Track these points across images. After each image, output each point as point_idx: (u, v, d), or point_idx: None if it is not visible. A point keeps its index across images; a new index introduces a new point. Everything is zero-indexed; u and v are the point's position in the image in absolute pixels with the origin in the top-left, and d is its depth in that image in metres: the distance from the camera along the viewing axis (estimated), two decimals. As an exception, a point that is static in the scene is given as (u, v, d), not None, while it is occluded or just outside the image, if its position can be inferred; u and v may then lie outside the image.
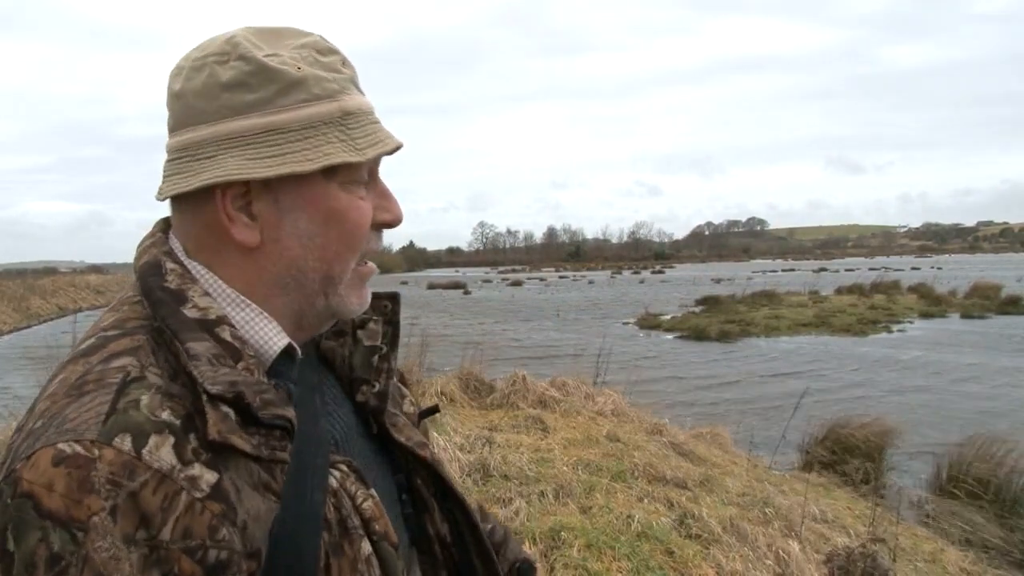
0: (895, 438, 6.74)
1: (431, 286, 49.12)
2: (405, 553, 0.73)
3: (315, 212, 0.65)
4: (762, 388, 11.22)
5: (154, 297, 0.62)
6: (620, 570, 3.02)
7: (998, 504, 5.59)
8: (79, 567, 0.47)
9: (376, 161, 0.69)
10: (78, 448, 0.50)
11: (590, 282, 54.97)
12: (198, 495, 0.51)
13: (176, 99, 0.64)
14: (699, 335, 18.13)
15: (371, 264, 0.72)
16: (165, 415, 0.54)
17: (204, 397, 0.55)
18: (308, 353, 0.73)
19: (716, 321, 19.55)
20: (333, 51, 0.67)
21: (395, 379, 0.83)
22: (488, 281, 59.78)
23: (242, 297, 0.65)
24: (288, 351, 0.65)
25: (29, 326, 23.83)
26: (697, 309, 23.81)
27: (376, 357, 0.79)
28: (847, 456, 6.42)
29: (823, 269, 65.10)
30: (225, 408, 0.56)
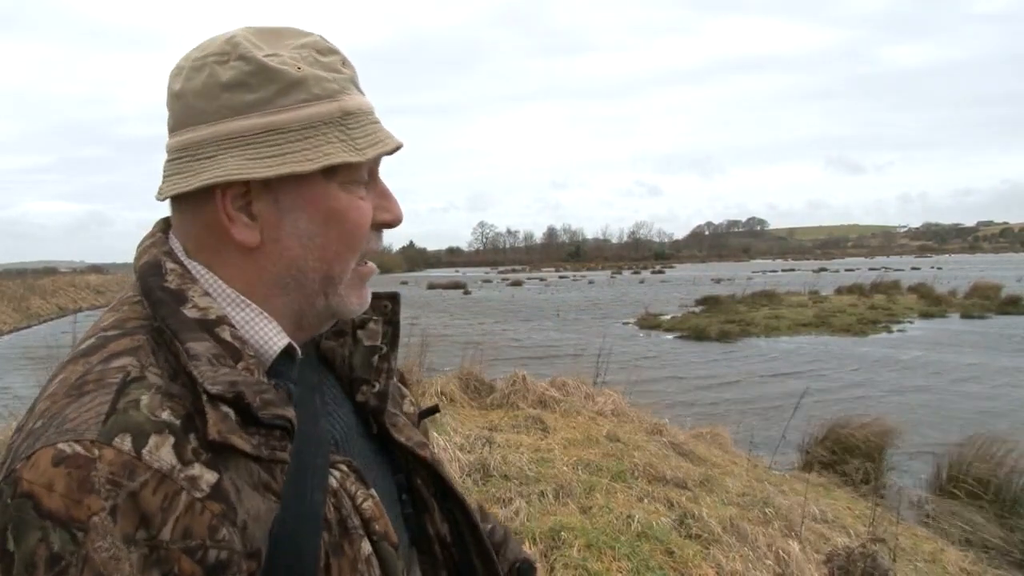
0: (895, 438, 6.74)
1: (431, 286, 49.13)
2: (405, 553, 0.73)
3: (315, 212, 0.65)
4: (762, 388, 11.22)
5: (154, 297, 0.62)
6: (620, 570, 3.02)
7: (998, 504, 5.59)
8: (79, 567, 0.47)
9: (376, 161, 0.69)
10: (78, 448, 0.50)
11: (590, 282, 54.97)
12: (198, 495, 0.51)
13: (176, 99, 0.64)
14: (699, 335, 18.13)
15: (371, 264, 0.72)
16: (165, 415, 0.54)
17: (204, 397, 0.55)
18: (308, 353, 0.73)
19: (716, 321, 19.55)
20: (333, 51, 0.67)
21: (395, 379, 0.83)
22: (488, 281, 59.77)
23: (242, 297, 0.65)
24: (288, 351, 0.65)
25: (29, 326, 23.83)
26: (697, 309, 23.80)
27: (376, 357, 0.79)
28: (847, 456, 6.42)
29: (823, 269, 65.09)
30: (225, 408, 0.56)
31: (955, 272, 43.60)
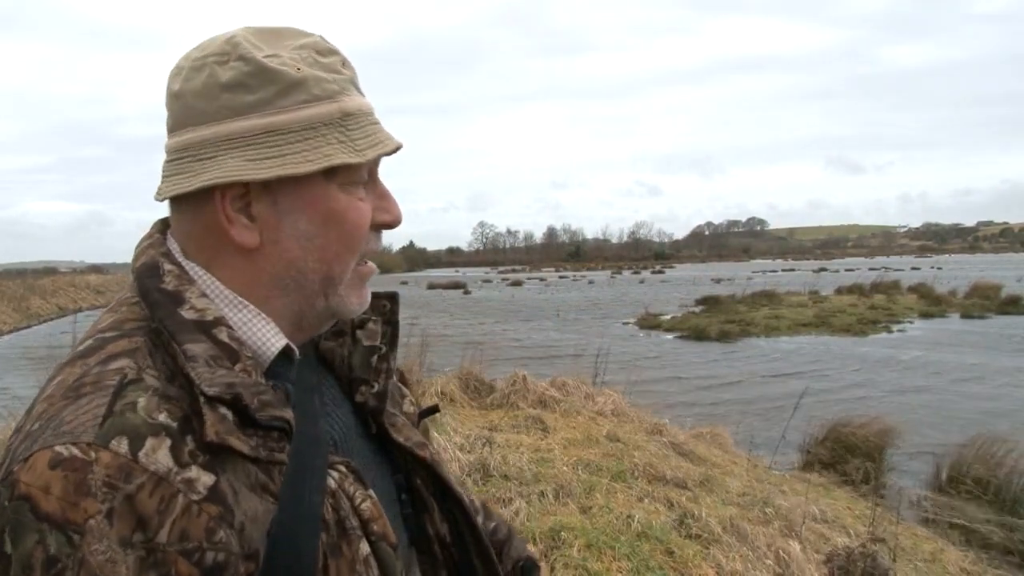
0: (895, 438, 6.74)
1: (431, 286, 49.14)
2: (404, 553, 0.73)
3: (314, 213, 0.65)
4: (762, 388, 11.22)
5: (151, 298, 0.62)
6: (620, 570, 3.02)
7: (998, 504, 5.59)
8: (75, 570, 0.47)
9: (376, 162, 0.69)
10: (75, 451, 0.50)
11: (590, 282, 54.98)
12: (195, 497, 0.51)
13: (175, 99, 0.64)
14: (699, 335, 18.12)
15: (371, 264, 0.72)
16: (162, 417, 0.53)
17: (201, 399, 0.55)
18: (307, 353, 0.73)
19: (716, 321, 19.55)
20: (333, 52, 0.67)
21: (394, 379, 0.82)
22: (488, 281, 59.79)
23: (240, 298, 0.64)
24: (286, 352, 0.65)
25: (29, 326, 23.85)
26: (697, 309, 23.80)
27: (375, 357, 0.79)
28: (847, 456, 6.43)
29: (823, 269, 65.10)
30: (223, 410, 0.56)
31: (955, 272, 43.61)
